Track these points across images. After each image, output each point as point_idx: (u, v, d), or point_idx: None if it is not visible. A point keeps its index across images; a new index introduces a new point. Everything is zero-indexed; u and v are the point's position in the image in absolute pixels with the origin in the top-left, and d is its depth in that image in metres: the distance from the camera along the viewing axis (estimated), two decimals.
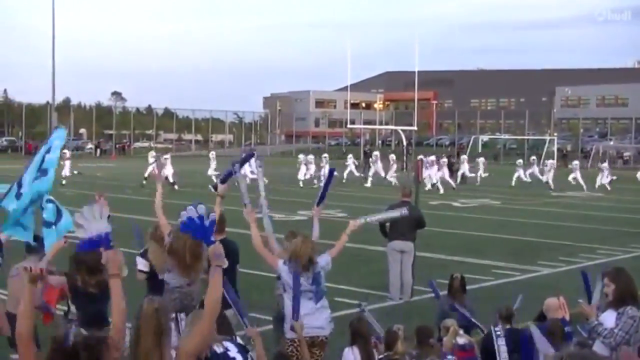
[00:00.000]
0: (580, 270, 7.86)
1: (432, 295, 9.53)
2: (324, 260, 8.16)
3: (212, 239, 4.95)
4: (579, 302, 7.33)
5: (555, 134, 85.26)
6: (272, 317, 9.42)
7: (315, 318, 7.98)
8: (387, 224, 13.98)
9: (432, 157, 42.48)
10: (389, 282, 13.88)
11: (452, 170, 46.97)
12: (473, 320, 8.67)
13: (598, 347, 6.99)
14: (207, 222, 4.87)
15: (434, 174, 39.95)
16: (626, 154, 76.19)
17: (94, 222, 4.74)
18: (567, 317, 8.25)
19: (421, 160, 36.04)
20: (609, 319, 6.96)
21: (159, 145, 78.72)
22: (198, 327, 4.64)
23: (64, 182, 35.92)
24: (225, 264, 4.83)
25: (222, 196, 8.55)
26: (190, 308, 6.04)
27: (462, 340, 6.96)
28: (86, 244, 4.79)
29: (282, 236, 8.54)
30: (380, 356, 7.19)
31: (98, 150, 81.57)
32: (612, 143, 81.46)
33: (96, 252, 5.00)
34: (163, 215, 8.35)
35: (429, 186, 38.52)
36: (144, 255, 8.33)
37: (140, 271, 8.26)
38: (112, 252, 4.74)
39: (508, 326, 7.96)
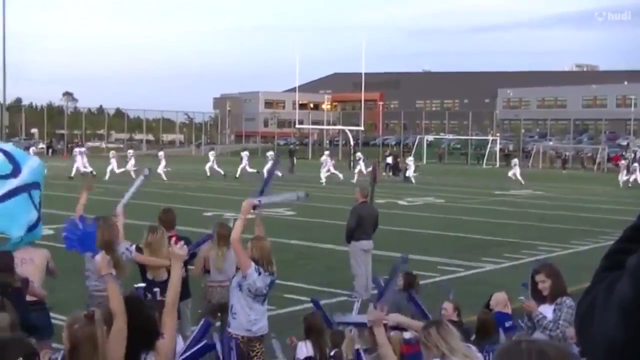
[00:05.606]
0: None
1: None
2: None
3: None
4: (520, 299, 7.75)
5: (498, 134, 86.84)
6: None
7: (263, 319, 8.20)
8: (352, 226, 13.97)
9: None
10: (356, 281, 13.85)
11: (398, 168, 48.67)
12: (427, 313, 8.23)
13: None
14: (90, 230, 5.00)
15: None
16: (566, 153, 78.10)
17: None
18: (510, 312, 8.41)
19: (377, 161, 36.46)
20: (546, 313, 7.24)
21: (111, 145, 79.02)
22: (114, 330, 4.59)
23: None
24: (114, 272, 4.90)
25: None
26: None
27: (407, 334, 6.75)
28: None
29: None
30: (332, 352, 7.14)
31: (50, 150, 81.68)
32: (551, 143, 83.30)
33: None
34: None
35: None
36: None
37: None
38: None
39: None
